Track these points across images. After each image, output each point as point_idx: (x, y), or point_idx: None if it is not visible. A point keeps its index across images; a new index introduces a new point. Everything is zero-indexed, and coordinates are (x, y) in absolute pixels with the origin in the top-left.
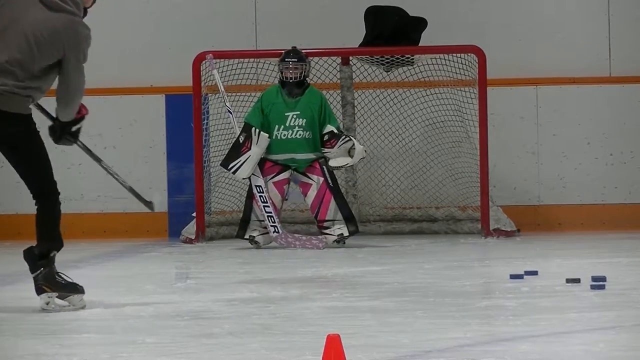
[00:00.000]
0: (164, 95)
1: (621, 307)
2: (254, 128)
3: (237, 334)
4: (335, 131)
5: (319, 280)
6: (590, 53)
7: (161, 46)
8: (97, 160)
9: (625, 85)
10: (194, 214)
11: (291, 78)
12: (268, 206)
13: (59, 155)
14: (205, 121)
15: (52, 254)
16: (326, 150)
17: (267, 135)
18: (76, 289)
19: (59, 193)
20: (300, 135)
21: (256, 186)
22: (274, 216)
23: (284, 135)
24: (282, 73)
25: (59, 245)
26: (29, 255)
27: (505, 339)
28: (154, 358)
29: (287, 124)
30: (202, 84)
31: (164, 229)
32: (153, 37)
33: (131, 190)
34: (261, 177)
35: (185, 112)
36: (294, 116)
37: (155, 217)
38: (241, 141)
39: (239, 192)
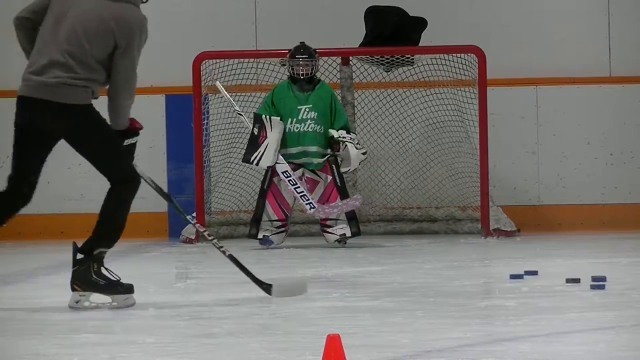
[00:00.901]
0: (164, 95)
1: (621, 307)
2: (264, 115)
3: (237, 334)
4: (335, 136)
5: (319, 280)
6: (590, 53)
7: (161, 46)
8: (168, 199)
9: (625, 85)
10: (194, 214)
11: (302, 75)
12: (299, 186)
13: (59, 155)
14: (205, 121)
15: (96, 252)
16: (336, 153)
17: (279, 117)
18: (116, 289)
19: (136, 181)
20: (312, 128)
21: (283, 172)
22: (306, 194)
23: (297, 128)
24: (292, 69)
25: (109, 243)
26: (74, 248)
27: (505, 339)
28: (154, 358)
29: (299, 117)
30: (202, 84)
31: (164, 229)
32: (153, 37)
33: (233, 259)
34: (285, 162)
35: (185, 112)
36: (307, 109)
37: (155, 217)
38: (256, 132)
39: (239, 192)
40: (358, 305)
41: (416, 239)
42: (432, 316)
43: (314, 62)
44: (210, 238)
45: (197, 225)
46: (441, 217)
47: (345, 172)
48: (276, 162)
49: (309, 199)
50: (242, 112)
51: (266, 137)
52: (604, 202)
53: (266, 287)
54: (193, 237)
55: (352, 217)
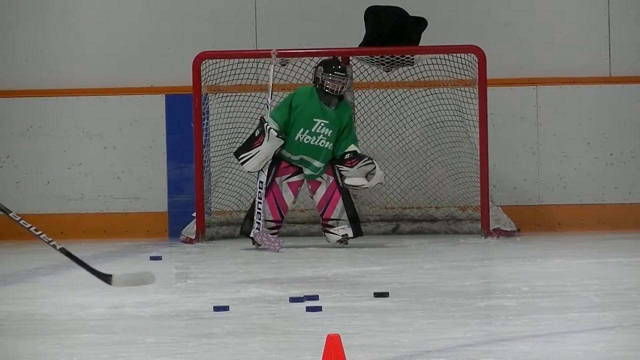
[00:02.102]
0: (164, 95)
1: (621, 307)
2: (266, 124)
3: (237, 334)
4: (359, 152)
5: (319, 280)
6: (590, 53)
7: (161, 46)
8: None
9: (625, 85)
10: (194, 214)
11: (334, 91)
12: (261, 203)
13: (59, 155)
14: (205, 121)
15: None
16: (344, 168)
17: (277, 133)
18: None
19: None
20: (322, 144)
21: (260, 181)
22: (262, 213)
23: (307, 140)
24: (323, 82)
25: None
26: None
27: (505, 339)
28: (154, 358)
29: (313, 130)
30: (202, 83)
31: (164, 229)
32: (153, 37)
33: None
34: (266, 174)
35: (185, 112)
36: (322, 124)
37: (156, 217)
38: (256, 135)
39: (239, 192)
40: (358, 305)
41: (416, 239)
42: (432, 316)
43: (346, 81)
44: (37, 233)
45: (12, 214)
46: (441, 217)
47: (357, 188)
48: (260, 170)
49: (259, 219)
50: (270, 105)
51: (261, 144)
52: (604, 202)
53: (105, 278)
54: (193, 237)
55: (354, 218)
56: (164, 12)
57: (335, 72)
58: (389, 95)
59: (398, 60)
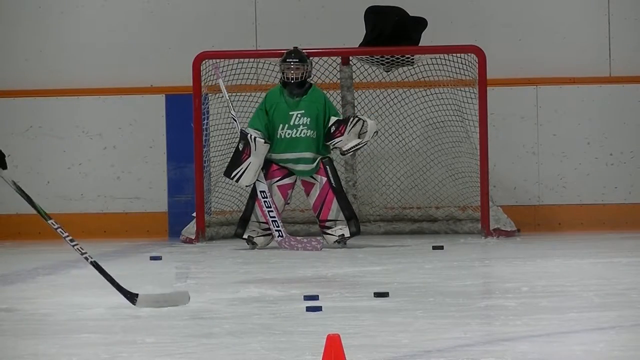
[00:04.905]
0: (164, 95)
1: (621, 307)
2: (249, 135)
3: (237, 334)
4: (340, 118)
5: (319, 280)
6: (590, 53)
7: (161, 46)
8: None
9: (625, 85)
10: (194, 214)
11: (292, 79)
12: (272, 211)
13: (59, 155)
14: (205, 121)
15: None
16: (336, 140)
17: (263, 141)
18: None
19: None
20: (304, 134)
21: (260, 192)
22: (278, 220)
23: (289, 135)
24: (283, 73)
25: None
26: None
27: (505, 339)
28: (154, 358)
29: (291, 123)
30: (202, 83)
31: (164, 229)
32: (153, 37)
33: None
34: (265, 182)
35: (185, 112)
36: (299, 115)
37: (155, 217)
38: (241, 149)
39: (239, 192)
40: (358, 305)
41: (416, 239)
42: (432, 316)
43: (305, 67)
44: (72, 243)
45: (55, 226)
46: (441, 217)
47: (356, 148)
48: (257, 181)
49: (278, 226)
50: (236, 117)
51: (249, 156)
52: (604, 202)
53: (130, 297)
54: (193, 237)
55: (351, 217)
56: (164, 12)
57: (287, 60)
58: (389, 95)
59: (398, 60)
